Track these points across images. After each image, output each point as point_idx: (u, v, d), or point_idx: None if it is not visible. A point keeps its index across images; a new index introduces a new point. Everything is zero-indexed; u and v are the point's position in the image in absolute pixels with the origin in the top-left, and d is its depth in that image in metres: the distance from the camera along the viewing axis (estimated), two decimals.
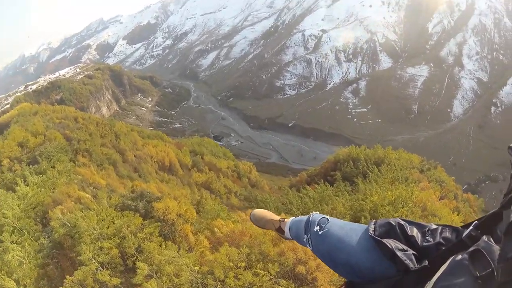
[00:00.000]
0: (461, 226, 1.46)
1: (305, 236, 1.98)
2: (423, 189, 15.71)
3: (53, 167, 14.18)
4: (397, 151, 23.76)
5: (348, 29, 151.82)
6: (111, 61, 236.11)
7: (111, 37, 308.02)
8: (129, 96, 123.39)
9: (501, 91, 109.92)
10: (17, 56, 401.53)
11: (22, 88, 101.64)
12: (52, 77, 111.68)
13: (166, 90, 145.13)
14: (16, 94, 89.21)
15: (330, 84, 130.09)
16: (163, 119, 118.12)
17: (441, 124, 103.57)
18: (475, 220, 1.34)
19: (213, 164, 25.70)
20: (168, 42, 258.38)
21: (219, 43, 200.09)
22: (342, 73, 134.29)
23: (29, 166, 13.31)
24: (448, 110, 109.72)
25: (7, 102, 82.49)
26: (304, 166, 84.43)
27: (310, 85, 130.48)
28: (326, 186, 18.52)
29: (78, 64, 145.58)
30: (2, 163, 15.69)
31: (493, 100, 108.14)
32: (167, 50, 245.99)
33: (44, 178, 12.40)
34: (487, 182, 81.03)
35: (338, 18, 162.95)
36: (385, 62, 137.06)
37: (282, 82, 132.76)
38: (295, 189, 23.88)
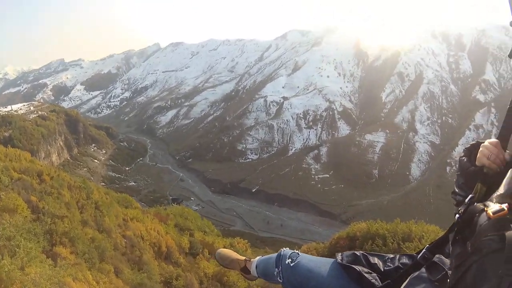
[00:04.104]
0: (415, 253, 1.82)
1: (276, 269, 2.22)
2: None
3: (23, 268, 8.56)
4: (419, 223, 19.46)
5: (308, 97, 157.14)
6: (65, 104, 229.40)
7: (69, 80, 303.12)
8: (82, 145, 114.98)
9: (453, 152, 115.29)
10: None
11: None
12: (3, 110, 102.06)
13: (122, 144, 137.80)
14: None
15: (291, 149, 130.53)
16: (117, 175, 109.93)
17: (402, 187, 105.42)
18: (426, 245, 1.70)
19: (209, 244, 20.44)
20: (127, 94, 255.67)
21: (179, 101, 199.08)
22: (303, 139, 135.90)
23: None
24: (407, 173, 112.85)
25: None
26: (272, 234, 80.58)
27: (272, 150, 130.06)
28: None
29: (33, 102, 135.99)
30: None
31: (447, 161, 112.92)
32: (125, 102, 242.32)
33: None
34: None
35: (298, 87, 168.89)
36: (343, 129, 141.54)
37: (244, 146, 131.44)
38: None
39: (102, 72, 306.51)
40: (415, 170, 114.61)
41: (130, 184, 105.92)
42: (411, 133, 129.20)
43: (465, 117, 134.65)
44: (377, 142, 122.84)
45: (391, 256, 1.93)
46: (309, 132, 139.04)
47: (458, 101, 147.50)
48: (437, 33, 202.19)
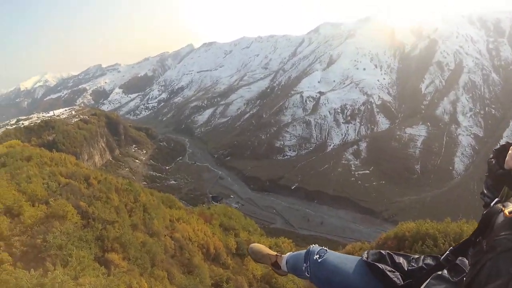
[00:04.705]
0: (439, 255, 1.88)
1: (304, 264, 2.32)
2: None
3: (76, 279, 8.28)
4: (470, 222, 18.05)
5: (344, 91, 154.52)
6: (105, 107, 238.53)
7: (107, 84, 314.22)
8: (124, 146, 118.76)
9: (498, 145, 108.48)
10: (12, 88, 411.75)
11: (13, 121, 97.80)
12: (46, 115, 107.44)
13: (161, 143, 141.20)
14: (7, 127, 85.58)
15: (330, 145, 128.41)
16: (157, 174, 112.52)
17: (445, 182, 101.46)
18: (450, 247, 1.77)
19: None
20: (164, 95, 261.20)
21: (215, 100, 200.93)
22: (342, 135, 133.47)
23: (28, 270, 7.10)
24: (450, 167, 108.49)
25: None
26: (312, 232, 79.98)
27: (310, 147, 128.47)
28: None
29: (74, 107, 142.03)
30: None
31: None
32: (162, 103, 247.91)
33: None
34: None
35: (334, 81, 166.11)
36: (383, 123, 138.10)
37: (282, 143, 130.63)
38: None
39: (139, 75, 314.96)
40: (459, 164, 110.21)
41: (171, 182, 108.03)
42: (453, 126, 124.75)
43: (508, 107, 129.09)
44: (418, 135, 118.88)
45: (416, 256, 2.01)
46: (348, 127, 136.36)
47: (500, 90, 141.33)
48: (474, 18, 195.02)
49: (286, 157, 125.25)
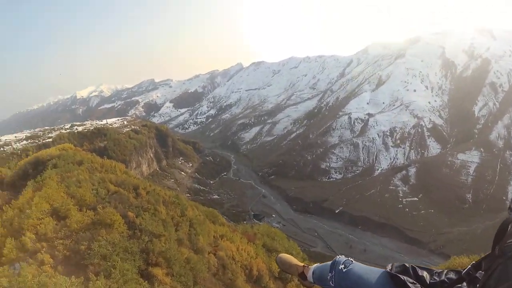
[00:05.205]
0: (461, 269, 1.98)
1: (330, 274, 2.38)
2: None
3: None
4: None
5: (394, 113, 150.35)
6: (155, 120, 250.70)
7: (159, 98, 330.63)
8: (171, 158, 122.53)
9: None
10: (69, 95, 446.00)
11: (68, 126, 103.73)
12: (99, 123, 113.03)
13: (207, 158, 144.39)
14: (61, 131, 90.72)
15: (378, 169, 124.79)
16: (202, 188, 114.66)
17: (498, 213, 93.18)
18: (472, 262, 1.86)
19: None
20: (212, 111, 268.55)
21: (262, 119, 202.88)
22: (390, 159, 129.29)
23: (69, 277, 6.84)
24: (504, 197, 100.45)
25: (50, 135, 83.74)
26: (354, 259, 75.44)
27: (357, 170, 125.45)
28: None
29: (126, 117, 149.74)
30: (21, 240, 8.89)
31: None
32: (210, 119, 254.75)
33: None
34: None
35: (383, 102, 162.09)
36: (434, 148, 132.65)
37: (328, 164, 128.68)
38: None
39: (189, 91, 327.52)
40: None
41: (214, 197, 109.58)
42: (507, 152, 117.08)
43: None
44: (471, 162, 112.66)
45: (439, 270, 2.08)
46: (397, 151, 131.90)
47: None
48: None
49: (332, 179, 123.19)
